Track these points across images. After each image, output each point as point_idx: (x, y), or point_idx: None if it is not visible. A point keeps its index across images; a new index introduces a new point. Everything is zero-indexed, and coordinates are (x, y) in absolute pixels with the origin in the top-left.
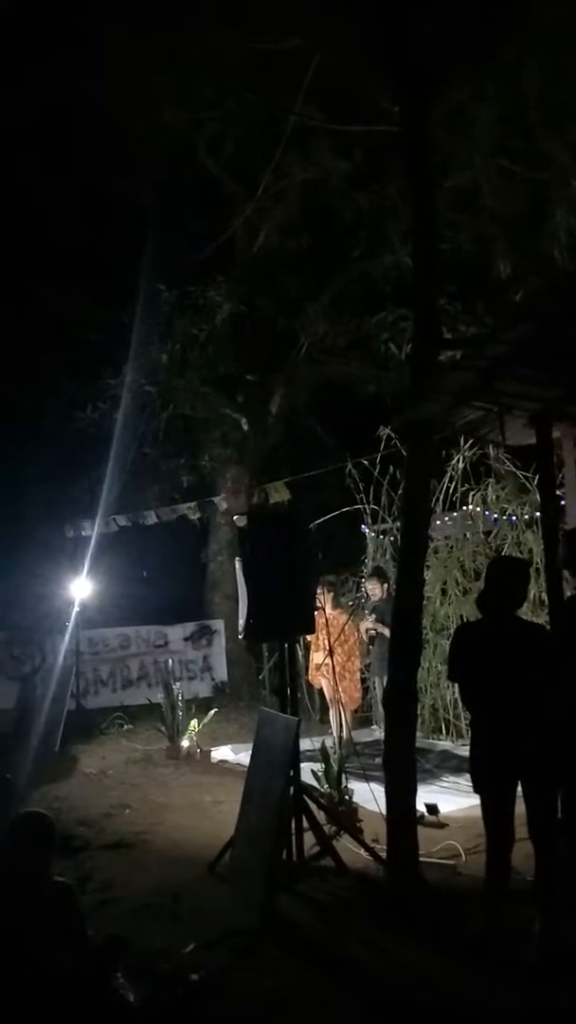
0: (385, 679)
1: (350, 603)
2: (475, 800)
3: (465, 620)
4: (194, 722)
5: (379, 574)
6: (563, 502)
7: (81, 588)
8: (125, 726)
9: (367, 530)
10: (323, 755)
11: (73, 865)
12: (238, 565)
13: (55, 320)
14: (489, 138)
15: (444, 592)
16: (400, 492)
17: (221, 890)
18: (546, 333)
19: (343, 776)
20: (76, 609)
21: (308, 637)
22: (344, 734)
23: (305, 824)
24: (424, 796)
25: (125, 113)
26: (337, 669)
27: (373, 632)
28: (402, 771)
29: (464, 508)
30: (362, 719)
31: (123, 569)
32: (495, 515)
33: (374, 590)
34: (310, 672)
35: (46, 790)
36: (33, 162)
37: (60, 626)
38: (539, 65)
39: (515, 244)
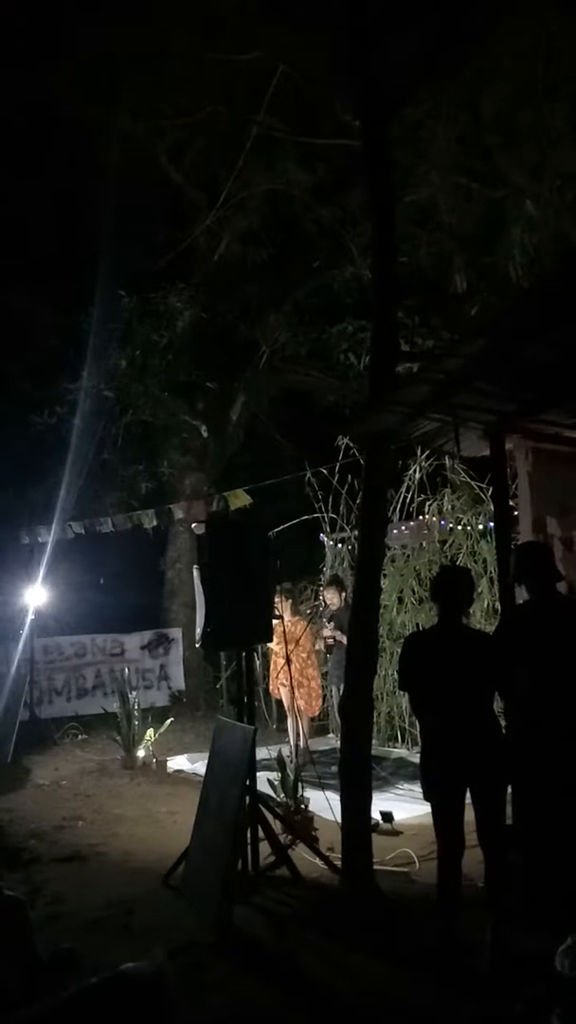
0: (342, 687)
1: (308, 611)
2: (429, 807)
3: (420, 628)
4: (150, 732)
5: (336, 583)
6: (516, 512)
7: (36, 595)
8: (80, 736)
9: (325, 538)
10: (279, 764)
11: (24, 879)
12: (196, 573)
13: (12, 324)
14: (446, 156)
15: (401, 600)
16: (358, 501)
17: (176, 902)
18: (502, 349)
19: (299, 785)
20: (31, 617)
21: (269, 646)
22: (301, 743)
23: (261, 834)
24: (379, 804)
25: (89, 119)
26: (295, 676)
27: (331, 640)
28: (357, 779)
29: (421, 517)
30: (319, 727)
31: (80, 576)
32: (451, 525)
33: (332, 599)
34: (270, 682)
35: None
36: None
37: (14, 634)
38: (496, 86)
39: (472, 260)
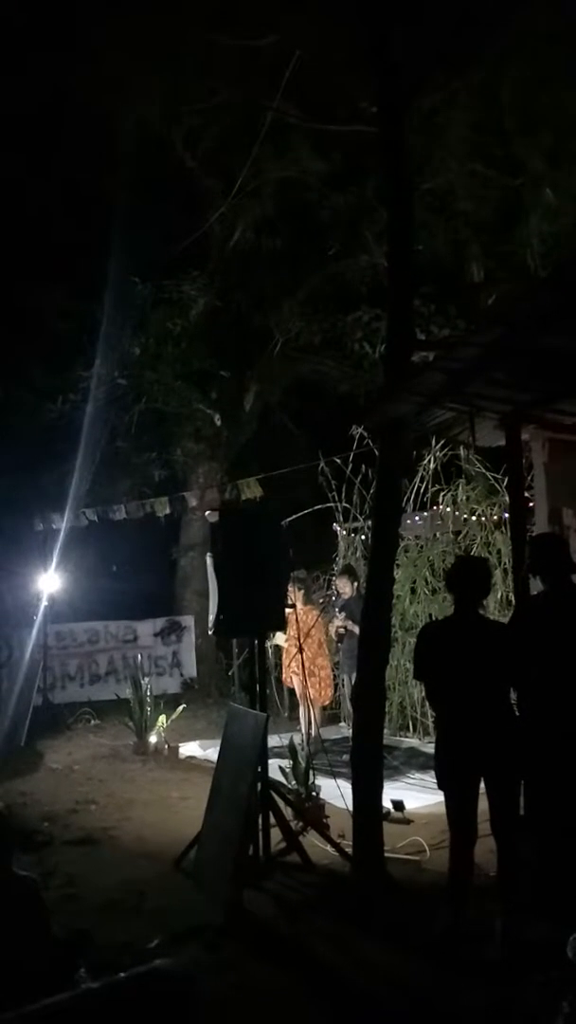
0: (354, 676)
1: (320, 600)
2: (440, 797)
3: (433, 618)
4: (162, 718)
5: (349, 572)
6: (531, 503)
7: (50, 582)
8: (92, 721)
9: (338, 528)
10: (291, 752)
11: (37, 861)
12: (209, 561)
13: (27, 311)
14: (464, 142)
15: (414, 591)
16: (372, 491)
17: (187, 886)
18: (518, 338)
19: (311, 773)
20: (44, 603)
21: (279, 636)
22: (312, 731)
23: (272, 820)
24: (390, 793)
25: (104, 106)
26: (306, 665)
27: (342, 630)
28: (369, 768)
29: (435, 508)
30: (331, 716)
31: (93, 563)
32: (465, 515)
33: (344, 588)
34: (283, 670)
35: (10, 785)
36: (9, 153)
37: (28, 620)
38: (514, 71)
39: (488, 248)
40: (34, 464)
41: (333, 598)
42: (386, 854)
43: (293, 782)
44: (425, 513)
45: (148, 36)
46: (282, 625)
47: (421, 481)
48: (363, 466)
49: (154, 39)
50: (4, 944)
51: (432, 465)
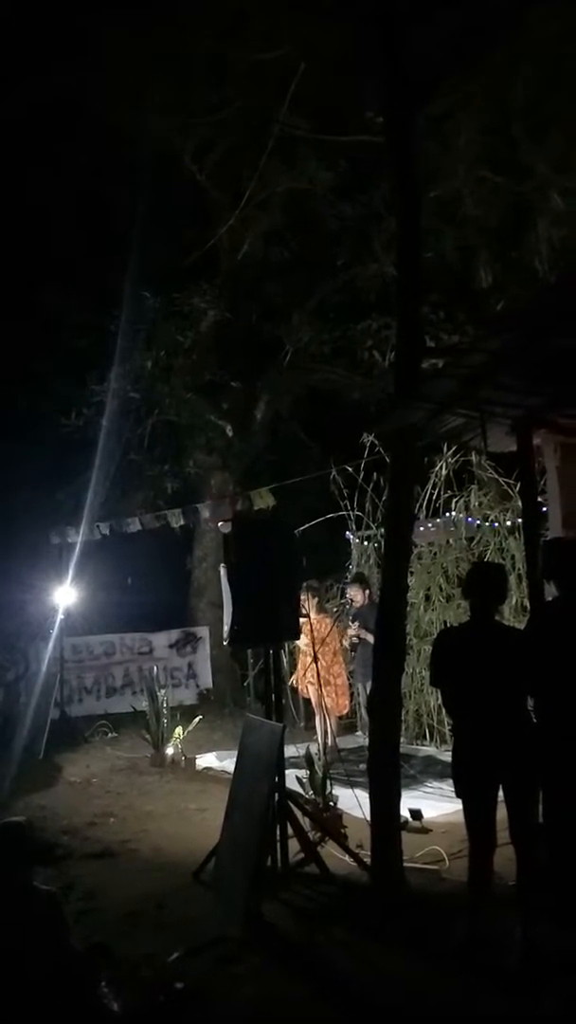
0: (369, 685)
1: (334, 609)
2: (458, 805)
3: (448, 626)
4: (179, 729)
5: (361, 580)
6: (544, 508)
7: (66, 595)
8: (109, 734)
9: (351, 536)
10: (308, 761)
11: (56, 874)
12: (223, 571)
13: (42, 325)
14: (473, 149)
15: (428, 598)
16: (384, 498)
17: (205, 897)
18: (527, 342)
19: (328, 782)
20: (60, 616)
21: (295, 645)
22: (329, 740)
23: (290, 831)
24: (408, 802)
25: (116, 119)
26: (321, 674)
27: (356, 639)
28: (386, 777)
29: (447, 514)
30: (347, 725)
31: (108, 576)
32: (478, 521)
33: (356, 596)
34: (297, 679)
35: (29, 799)
36: (20, 166)
37: (44, 633)
38: (524, 77)
39: (497, 254)
40: (50, 478)
41: (347, 607)
42: (405, 864)
43: (310, 792)
44: (438, 519)
45: (157, 49)
46: (296, 635)
47: (433, 488)
48: (375, 474)
49: (163, 52)
50: (25, 956)
51: (444, 471)
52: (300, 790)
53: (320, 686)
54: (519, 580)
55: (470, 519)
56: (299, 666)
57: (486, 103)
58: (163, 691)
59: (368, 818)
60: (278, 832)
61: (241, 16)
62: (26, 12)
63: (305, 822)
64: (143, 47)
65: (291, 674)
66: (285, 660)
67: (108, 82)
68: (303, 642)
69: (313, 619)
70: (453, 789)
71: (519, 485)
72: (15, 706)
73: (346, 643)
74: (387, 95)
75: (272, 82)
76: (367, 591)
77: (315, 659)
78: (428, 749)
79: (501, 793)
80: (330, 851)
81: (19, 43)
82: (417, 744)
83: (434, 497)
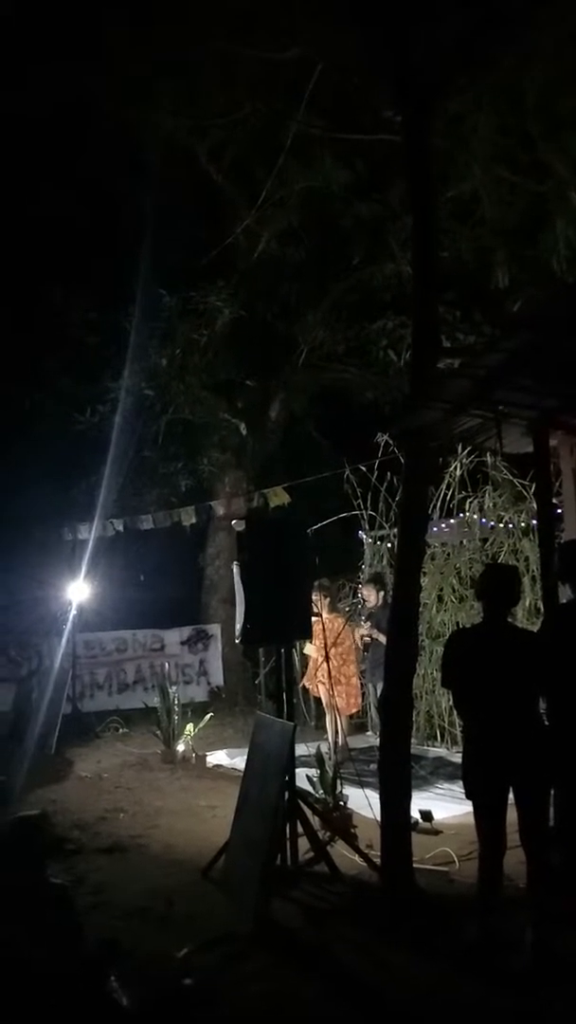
0: (380, 685)
1: (347, 608)
2: (469, 807)
3: (460, 627)
4: (190, 726)
5: (376, 581)
6: (559, 510)
7: (78, 591)
8: (121, 730)
9: (364, 536)
10: (318, 761)
11: (67, 868)
12: (235, 569)
13: (56, 322)
14: (488, 148)
15: (440, 599)
16: (398, 498)
17: (215, 895)
18: (544, 343)
19: (338, 782)
20: (73, 612)
21: (307, 644)
22: (340, 740)
23: (300, 829)
24: (418, 803)
25: (130, 118)
26: (333, 674)
27: (368, 639)
28: (397, 777)
29: (461, 515)
30: (358, 725)
31: (120, 573)
32: (492, 522)
33: (369, 596)
34: (308, 679)
35: (41, 793)
36: (36, 165)
37: (57, 629)
38: (539, 74)
39: (514, 254)
40: (63, 475)
41: (359, 606)
42: (415, 865)
43: (320, 791)
44: (452, 520)
45: (172, 48)
46: (308, 634)
47: (447, 488)
48: (388, 473)
49: (178, 52)
50: (38, 949)
51: (458, 472)
52: (310, 789)
53: (331, 686)
54: (533, 582)
55: (484, 520)
56: (310, 666)
57: (500, 101)
58: (174, 688)
59: (378, 818)
60: (288, 831)
61: (253, 16)
62: (38, 11)
63: (315, 821)
64: (156, 46)
65: (302, 674)
66: (296, 659)
67: (125, 82)
68: (309, 649)
69: (325, 619)
70: (464, 791)
71: (534, 486)
72: (28, 701)
73: (358, 642)
74: (399, 95)
75: (287, 81)
76: (381, 592)
77: (327, 659)
78: (439, 750)
79: (512, 795)
80: (340, 851)
81: (33, 43)
82: (428, 745)
83: (448, 498)
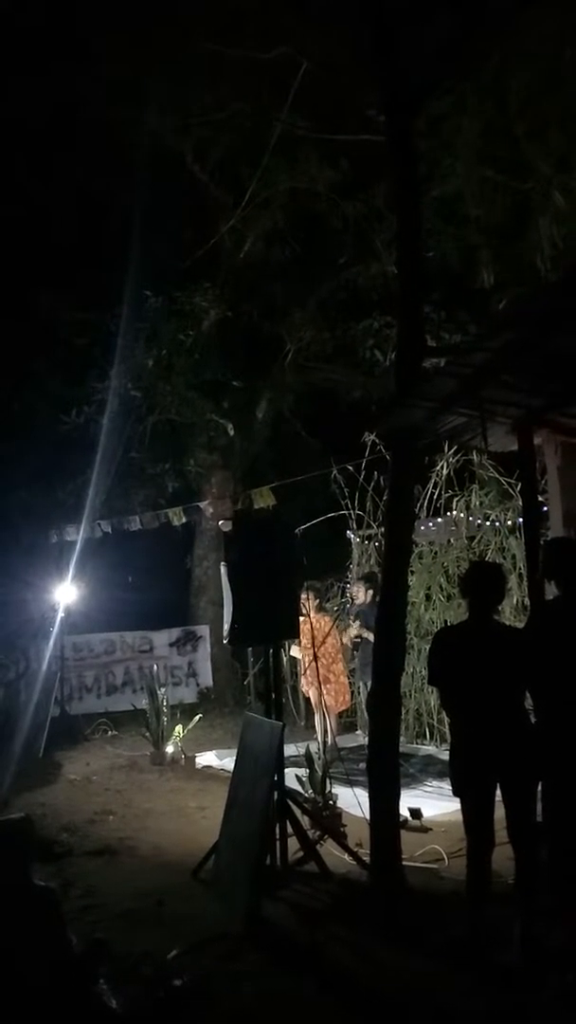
0: (369, 684)
1: (335, 608)
2: (458, 804)
3: (448, 625)
4: (179, 728)
5: (368, 580)
6: (545, 508)
7: (66, 593)
8: (110, 732)
9: (352, 535)
10: (307, 760)
11: (56, 871)
12: (223, 570)
13: (41, 324)
14: (473, 148)
15: (428, 597)
16: (385, 497)
17: (205, 895)
18: (529, 342)
19: (327, 781)
20: (61, 614)
21: (292, 645)
22: (329, 739)
23: (289, 829)
24: (407, 801)
25: (114, 119)
26: (321, 672)
27: (358, 638)
28: (386, 776)
29: (448, 514)
30: (347, 724)
31: (108, 574)
32: (479, 520)
33: (358, 594)
34: (300, 679)
35: (29, 796)
36: (22, 166)
37: (45, 631)
38: (522, 74)
39: (498, 253)
40: (50, 476)
41: (347, 605)
42: (404, 862)
43: (310, 791)
44: (439, 519)
45: (156, 48)
46: (295, 634)
47: (434, 487)
48: (376, 473)
49: (162, 51)
50: (24, 953)
51: (445, 471)
52: (300, 789)
53: (320, 685)
54: (520, 580)
55: (471, 518)
56: (300, 664)
57: (485, 101)
58: (163, 689)
59: (367, 817)
60: (278, 830)
61: (239, 16)
62: (24, 11)
63: (305, 820)
64: (142, 46)
65: (292, 674)
66: (285, 660)
67: (106, 80)
68: (295, 651)
69: (313, 619)
70: (451, 788)
71: (520, 485)
72: (15, 704)
73: (347, 641)
74: (384, 95)
75: (272, 81)
76: (371, 590)
77: (315, 658)
78: (428, 748)
79: (499, 792)
80: (329, 849)
81: (18, 42)
82: (417, 743)
83: (435, 496)
